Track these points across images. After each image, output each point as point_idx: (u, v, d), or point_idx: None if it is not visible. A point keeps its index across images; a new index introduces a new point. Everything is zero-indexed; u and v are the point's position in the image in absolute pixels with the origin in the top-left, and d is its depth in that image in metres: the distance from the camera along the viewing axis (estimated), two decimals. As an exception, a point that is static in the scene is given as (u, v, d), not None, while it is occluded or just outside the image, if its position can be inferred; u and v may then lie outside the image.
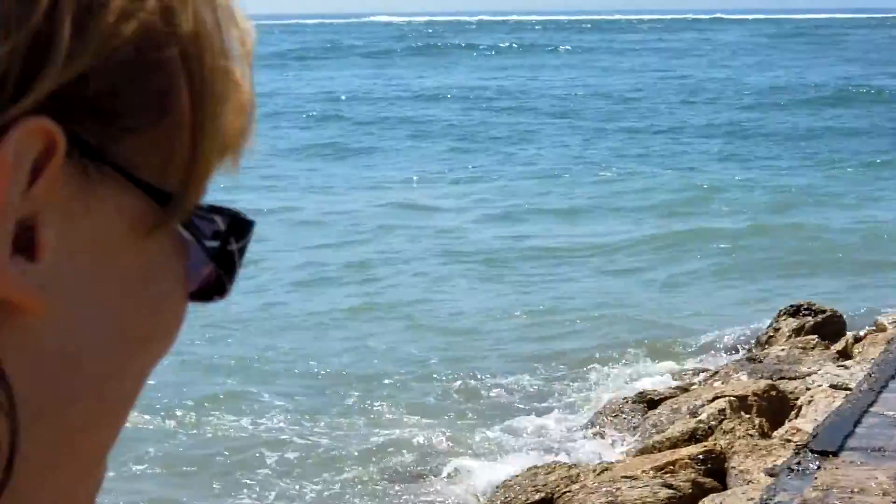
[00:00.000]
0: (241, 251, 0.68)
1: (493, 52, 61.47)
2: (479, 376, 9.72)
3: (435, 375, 9.82)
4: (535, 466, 7.35)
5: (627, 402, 8.48)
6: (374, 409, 9.08)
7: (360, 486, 7.74)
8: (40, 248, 0.58)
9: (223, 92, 0.64)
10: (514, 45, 67.72)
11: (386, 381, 9.65)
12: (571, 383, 9.52)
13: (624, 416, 8.25)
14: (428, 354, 10.42)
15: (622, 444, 7.83)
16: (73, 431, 0.63)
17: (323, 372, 9.95)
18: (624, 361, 9.97)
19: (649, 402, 8.40)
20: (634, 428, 7.96)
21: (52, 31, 0.55)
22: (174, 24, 0.60)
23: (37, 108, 0.55)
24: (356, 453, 8.13)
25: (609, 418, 8.26)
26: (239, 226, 0.67)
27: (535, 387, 9.48)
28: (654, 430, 7.65)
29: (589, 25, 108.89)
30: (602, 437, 7.99)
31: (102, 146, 0.59)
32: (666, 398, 8.36)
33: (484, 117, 31.15)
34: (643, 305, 12.04)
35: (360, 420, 8.85)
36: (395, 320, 11.62)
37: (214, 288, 0.68)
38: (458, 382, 9.60)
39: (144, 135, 0.60)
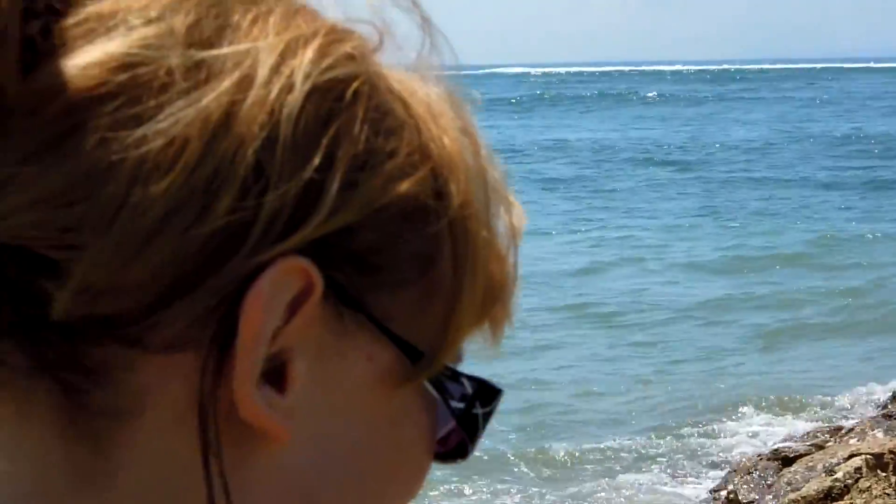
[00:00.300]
0: (486, 417, 0.67)
1: (654, 100, 61.36)
2: (596, 435, 9.77)
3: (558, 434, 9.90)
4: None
5: (761, 459, 8.47)
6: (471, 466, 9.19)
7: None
8: (290, 381, 0.60)
9: (484, 264, 0.64)
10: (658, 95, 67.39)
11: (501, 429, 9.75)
12: (701, 440, 9.52)
13: (758, 473, 8.24)
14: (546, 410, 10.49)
15: (757, 503, 7.83)
16: None
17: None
18: (751, 418, 9.94)
19: (784, 459, 8.38)
20: (769, 486, 7.95)
21: (322, 184, 0.58)
22: (444, 194, 0.62)
23: (299, 250, 0.58)
24: None
25: (742, 476, 8.26)
26: (486, 392, 0.67)
27: (660, 445, 9.51)
28: (788, 489, 7.64)
29: (708, 77, 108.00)
30: (736, 495, 7.99)
31: (360, 296, 0.61)
32: (801, 455, 8.33)
33: (609, 169, 31.11)
34: (763, 360, 11.96)
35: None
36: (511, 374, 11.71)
37: (456, 450, 0.69)
38: (580, 441, 9.66)
39: (403, 292, 0.63)
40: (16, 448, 0.60)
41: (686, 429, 9.78)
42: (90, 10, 0.58)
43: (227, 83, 0.58)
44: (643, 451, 9.36)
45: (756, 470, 8.31)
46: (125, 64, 0.57)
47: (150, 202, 0.56)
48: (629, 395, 10.95)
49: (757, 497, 7.89)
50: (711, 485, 8.52)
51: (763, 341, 12.84)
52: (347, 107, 0.60)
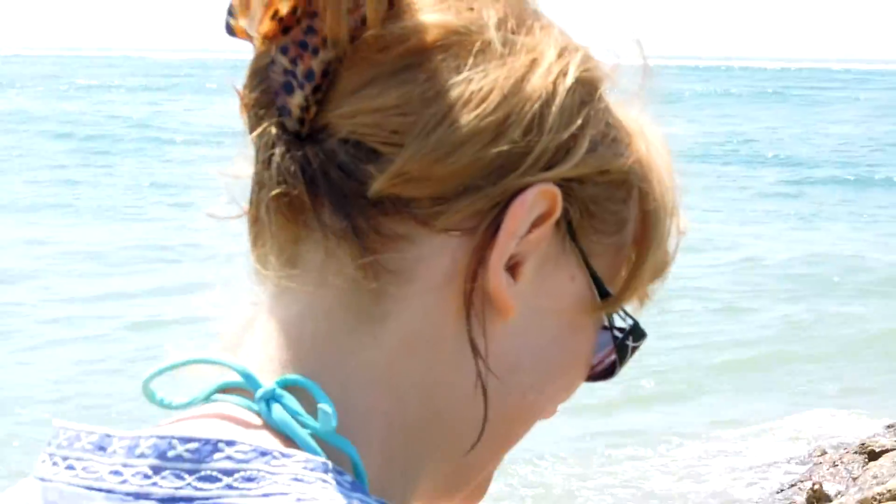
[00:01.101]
0: (634, 350, 0.90)
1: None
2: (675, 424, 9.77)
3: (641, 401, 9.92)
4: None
5: (847, 452, 8.44)
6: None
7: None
8: (520, 275, 0.81)
9: (664, 238, 0.88)
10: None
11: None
12: (781, 429, 9.49)
13: (843, 466, 8.21)
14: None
15: (842, 496, 7.80)
16: (500, 418, 0.84)
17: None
18: (840, 410, 9.88)
19: (870, 453, 8.33)
20: (854, 479, 7.93)
21: (576, 141, 0.82)
22: (645, 182, 0.87)
23: (553, 182, 0.81)
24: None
25: (828, 468, 8.24)
26: (639, 331, 0.90)
27: (742, 431, 9.50)
28: (874, 482, 7.61)
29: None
30: (821, 486, 7.97)
31: (579, 230, 0.83)
32: (888, 450, 8.28)
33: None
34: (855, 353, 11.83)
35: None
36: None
37: (606, 371, 0.91)
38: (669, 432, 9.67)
39: (604, 240, 0.85)
40: (321, 281, 0.80)
41: (765, 417, 9.74)
42: None
43: (524, 59, 0.81)
44: (727, 437, 9.36)
45: (841, 463, 8.27)
46: (456, 30, 0.80)
47: (460, 125, 0.78)
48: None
49: (842, 489, 7.86)
50: (799, 473, 8.50)
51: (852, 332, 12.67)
52: (598, 99, 0.84)
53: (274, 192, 0.79)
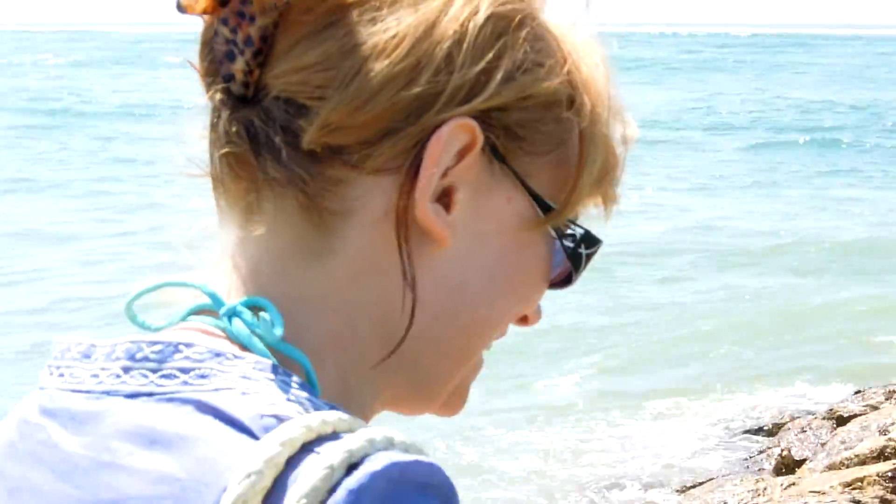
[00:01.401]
0: (588, 257, 0.96)
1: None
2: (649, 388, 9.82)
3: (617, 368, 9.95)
4: (721, 478, 7.47)
5: (816, 417, 8.49)
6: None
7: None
8: (453, 205, 0.89)
9: (603, 148, 0.94)
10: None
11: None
12: (755, 397, 9.55)
13: (811, 432, 8.26)
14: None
15: (810, 461, 7.85)
16: (455, 333, 0.93)
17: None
18: (803, 378, 9.94)
19: (838, 419, 8.39)
20: (822, 444, 7.98)
21: (490, 73, 0.87)
22: (576, 98, 0.92)
23: (471, 116, 0.87)
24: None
25: (796, 434, 8.29)
26: (590, 239, 0.96)
27: (707, 401, 9.54)
28: (842, 447, 7.66)
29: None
30: (790, 452, 8.02)
31: (507, 154, 0.90)
32: (856, 415, 8.34)
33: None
34: (821, 321, 11.91)
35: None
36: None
37: (564, 280, 0.98)
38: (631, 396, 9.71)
39: (538, 160, 0.92)
40: (274, 225, 0.89)
41: (738, 385, 9.79)
42: None
43: (436, 3, 0.87)
44: (693, 404, 9.40)
45: (810, 429, 8.33)
46: None
47: (375, 73, 0.85)
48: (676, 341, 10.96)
49: (810, 455, 7.91)
50: (765, 439, 8.55)
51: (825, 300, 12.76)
52: (514, 29, 0.89)
53: (223, 151, 0.88)
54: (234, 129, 0.87)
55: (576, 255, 0.95)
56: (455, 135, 0.87)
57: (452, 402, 0.99)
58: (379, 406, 0.95)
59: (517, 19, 0.90)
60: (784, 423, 8.72)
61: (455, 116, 0.86)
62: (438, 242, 0.89)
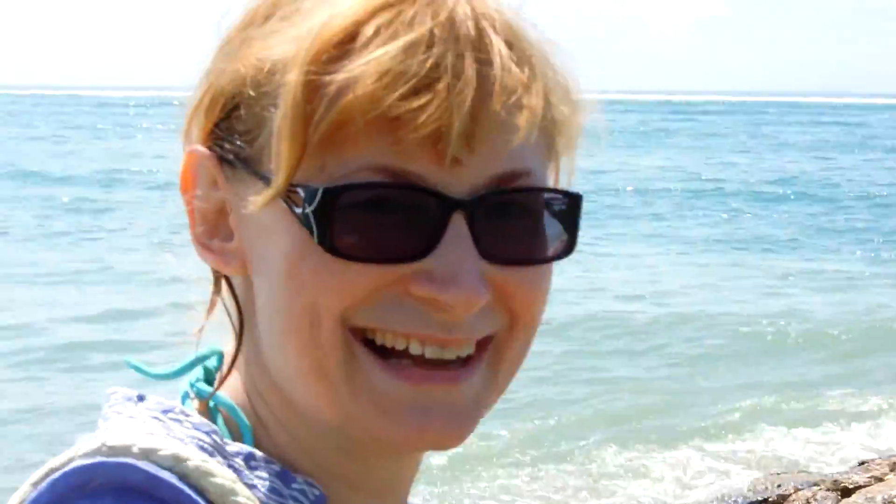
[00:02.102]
0: (324, 208, 0.89)
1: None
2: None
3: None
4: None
5: (820, 488, 8.48)
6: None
7: None
8: (230, 229, 0.96)
9: (278, 116, 0.90)
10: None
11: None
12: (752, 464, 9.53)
13: (816, 502, 8.24)
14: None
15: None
16: (276, 341, 0.93)
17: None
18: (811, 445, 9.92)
19: (843, 490, 8.38)
20: (828, 516, 7.96)
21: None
22: (251, 86, 0.94)
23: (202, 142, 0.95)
24: None
25: (801, 505, 8.27)
26: (309, 195, 0.89)
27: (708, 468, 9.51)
28: (848, 519, 7.65)
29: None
30: (795, 523, 8.00)
31: (234, 156, 0.94)
32: (860, 487, 8.33)
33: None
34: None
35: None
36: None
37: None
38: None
39: (253, 145, 0.92)
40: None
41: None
42: None
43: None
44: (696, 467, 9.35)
45: (815, 500, 8.31)
46: None
47: None
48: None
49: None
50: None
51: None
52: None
53: None
54: None
55: (305, 217, 0.89)
56: (198, 167, 0.98)
57: (370, 424, 0.92)
58: (342, 457, 0.95)
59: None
60: (788, 496, 8.71)
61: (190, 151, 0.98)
62: (240, 272, 0.97)
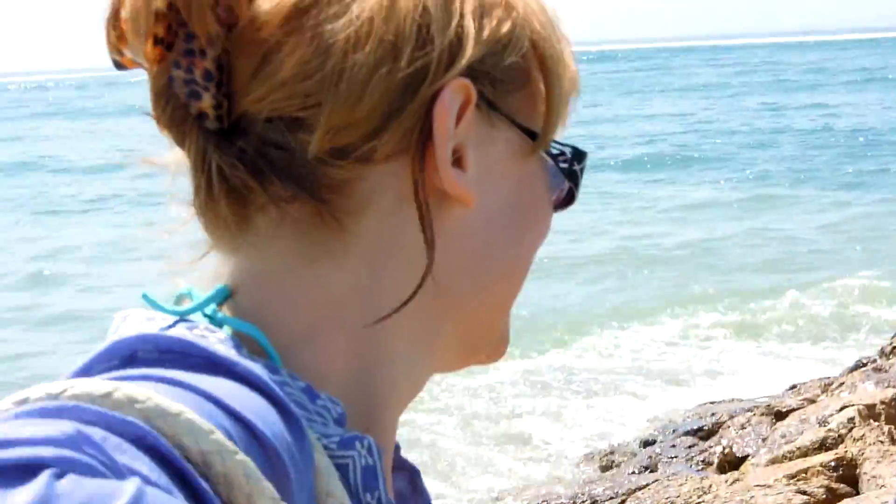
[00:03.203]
0: (581, 171, 1.00)
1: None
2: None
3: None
4: (666, 479, 7.49)
5: (754, 413, 8.57)
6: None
7: None
8: (466, 164, 0.90)
9: (561, 66, 0.96)
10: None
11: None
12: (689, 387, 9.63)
13: (751, 428, 8.34)
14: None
15: (752, 457, 7.92)
16: (495, 279, 0.96)
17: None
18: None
19: (777, 413, 8.49)
20: (763, 440, 8.05)
21: (462, 32, 0.89)
22: (531, 29, 0.94)
23: (460, 75, 0.88)
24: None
25: (737, 431, 8.36)
26: (579, 154, 0.99)
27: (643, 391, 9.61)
28: (783, 441, 7.74)
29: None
30: (731, 449, 8.09)
31: (496, 100, 0.92)
32: (794, 410, 8.43)
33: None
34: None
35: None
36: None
37: (567, 199, 1.01)
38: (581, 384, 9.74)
39: (517, 94, 0.93)
40: (273, 237, 0.87)
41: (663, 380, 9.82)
42: None
43: None
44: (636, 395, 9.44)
45: (749, 425, 8.40)
46: None
47: (360, 65, 0.84)
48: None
49: (752, 451, 7.98)
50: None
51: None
52: None
53: (223, 189, 0.86)
54: (230, 162, 0.85)
55: (571, 172, 0.99)
56: (454, 98, 0.87)
57: (498, 348, 1.01)
58: (428, 370, 0.96)
59: None
60: (724, 423, 8.79)
61: (448, 81, 0.87)
62: (464, 203, 0.90)
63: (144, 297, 0.88)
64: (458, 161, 0.89)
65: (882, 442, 7.23)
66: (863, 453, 6.97)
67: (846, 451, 7.02)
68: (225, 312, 0.87)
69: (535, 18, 0.95)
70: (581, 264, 15.59)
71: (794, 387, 9.39)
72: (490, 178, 0.92)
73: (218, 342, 0.82)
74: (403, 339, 0.92)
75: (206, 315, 0.87)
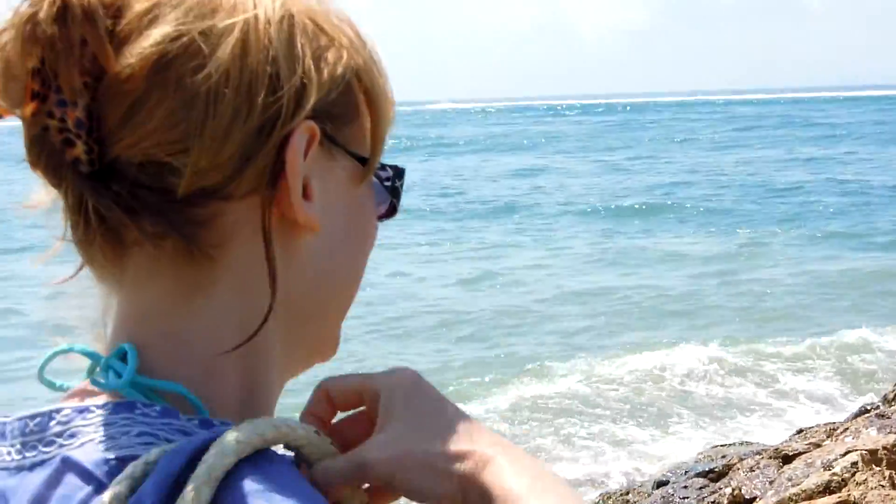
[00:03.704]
0: (401, 187, 1.10)
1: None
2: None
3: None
4: (679, 519, 7.75)
5: (763, 456, 8.81)
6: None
7: None
8: (311, 194, 0.98)
9: (383, 97, 1.05)
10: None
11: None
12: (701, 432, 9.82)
13: (760, 470, 8.56)
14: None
15: (759, 499, 8.15)
16: (338, 292, 1.05)
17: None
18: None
19: (784, 457, 8.70)
20: (770, 482, 8.28)
21: (307, 76, 0.96)
22: (357, 66, 1.02)
23: (306, 116, 0.95)
24: None
25: (746, 473, 8.59)
26: (399, 172, 1.10)
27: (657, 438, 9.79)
28: (790, 484, 7.97)
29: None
30: (740, 491, 8.31)
31: (335, 134, 1.00)
32: (800, 453, 8.64)
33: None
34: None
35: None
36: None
37: (390, 212, 1.10)
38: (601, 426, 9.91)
39: (350, 126, 1.01)
40: (150, 275, 0.95)
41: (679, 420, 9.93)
42: (136, 9, 0.91)
43: (236, 33, 0.93)
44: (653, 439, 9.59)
45: (758, 467, 8.62)
46: (177, 36, 0.91)
47: (221, 114, 0.91)
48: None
49: (760, 493, 8.19)
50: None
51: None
52: (301, 27, 0.97)
53: (100, 228, 0.93)
54: (105, 203, 0.91)
55: (394, 188, 1.09)
56: (301, 139, 0.95)
57: (335, 348, 1.09)
58: (288, 377, 1.05)
59: (296, 16, 0.97)
60: (734, 465, 9.02)
61: (297, 124, 0.95)
62: (312, 230, 0.98)
63: (49, 383, 0.98)
64: (304, 192, 0.97)
65: (883, 486, 7.48)
66: (865, 497, 7.20)
67: (849, 495, 7.24)
68: (139, 370, 0.93)
69: (359, 56, 1.02)
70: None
71: (800, 431, 9.59)
72: (331, 205, 1.00)
73: (187, 422, 0.91)
74: (271, 357, 1.00)
75: (132, 385, 0.92)
